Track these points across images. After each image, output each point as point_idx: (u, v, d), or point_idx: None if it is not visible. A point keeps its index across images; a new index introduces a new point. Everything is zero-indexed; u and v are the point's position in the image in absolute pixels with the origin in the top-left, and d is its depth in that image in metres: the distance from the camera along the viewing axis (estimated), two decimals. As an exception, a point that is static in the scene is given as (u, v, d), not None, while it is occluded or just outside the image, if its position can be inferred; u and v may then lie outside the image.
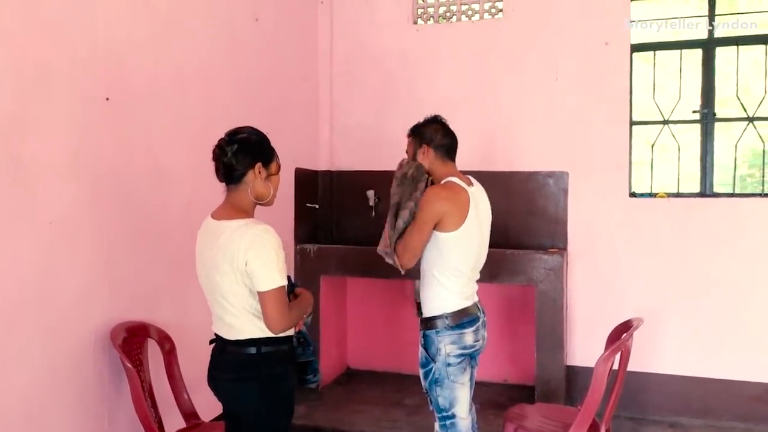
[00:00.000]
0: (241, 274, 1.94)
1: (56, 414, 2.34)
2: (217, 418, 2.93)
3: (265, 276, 1.91)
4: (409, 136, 2.59)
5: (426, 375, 2.43)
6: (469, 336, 2.41)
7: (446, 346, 2.38)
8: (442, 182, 2.45)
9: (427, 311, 2.44)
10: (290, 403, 2.10)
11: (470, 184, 2.48)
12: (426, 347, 2.42)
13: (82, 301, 2.45)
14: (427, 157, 2.49)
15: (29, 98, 2.21)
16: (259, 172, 2.02)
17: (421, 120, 2.59)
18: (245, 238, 1.92)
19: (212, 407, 2.78)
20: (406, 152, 2.58)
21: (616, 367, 2.61)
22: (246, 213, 2.03)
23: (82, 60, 2.45)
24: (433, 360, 2.39)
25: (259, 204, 2.08)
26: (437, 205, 2.34)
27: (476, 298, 2.50)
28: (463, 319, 2.40)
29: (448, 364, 2.38)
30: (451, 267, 2.38)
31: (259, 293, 1.93)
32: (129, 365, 2.43)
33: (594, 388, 2.44)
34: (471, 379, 2.48)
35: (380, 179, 4.52)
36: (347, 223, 4.69)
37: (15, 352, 2.16)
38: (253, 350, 2.01)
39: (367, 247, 4.19)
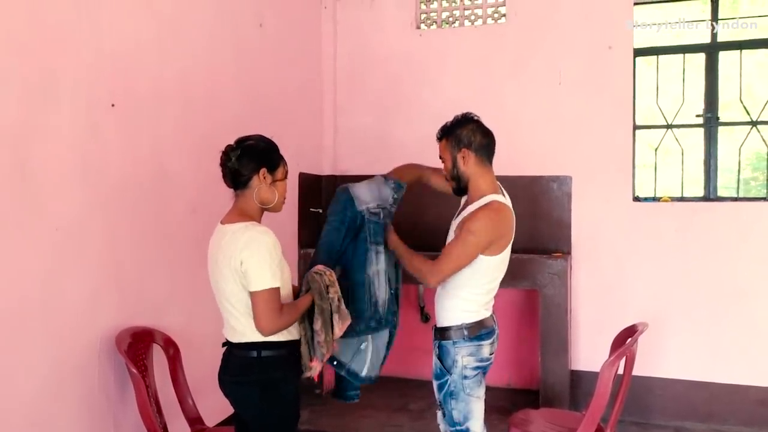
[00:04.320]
0: (239, 275, 1.97)
1: (62, 419, 2.34)
2: (221, 423, 2.94)
3: (257, 276, 1.94)
4: (440, 139, 2.36)
5: (441, 387, 2.34)
6: (486, 348, 2.31)
7: (463, 357, 2.27)
8: (487, 202, 2.25)
9: (444, 320, 2.33)
10: (293, 408, 2.11)
11: (504, 194, 2.35)
12: (441, 359, 2.32)
13: (87, 306, 2.46)
14: (468, 163, 2.28)
15: (35, 104, 2.22)
16: (264, 178, 2.05)
17: (451, 119, 2.36)
18: (242, 239, 1.96)
19: (217, 412, 2.79)
20: (441, 158, 2.37)
21: (620, 372, 2.62)
22: (252, 218, 2.06)
23: (88, 66, 2.46)
24: (449, 372, 2.29)
25: (266, 209, 2.10)
26: (491, 234, 2.20)
27: (492, 310, 2.40)
28: (481, 330, 2.30)
29: (465, 377, 2.28)
30: (482, 284, 2.29)
31: (250, 293, 1.96)
32: (134, 371, 2.43)
33: (599, 393, 2.43)
34: (484, 392, 2.38)
35: (384, 184, 4.53)
36: (351, 227, 4.68)
37: (21, 357, 2.16)
38: (253, 354, 2.04)
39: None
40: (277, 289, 1.98)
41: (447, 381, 2.31)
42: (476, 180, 2.30)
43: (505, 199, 2.33)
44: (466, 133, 2.29)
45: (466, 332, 2.28)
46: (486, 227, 2.19)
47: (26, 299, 2.18)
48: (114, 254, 2.59)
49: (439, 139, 2.37)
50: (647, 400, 3.92)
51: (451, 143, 2.31)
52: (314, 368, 2.13)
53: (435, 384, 2.37)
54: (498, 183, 2.36)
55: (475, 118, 2.35)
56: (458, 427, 2.33)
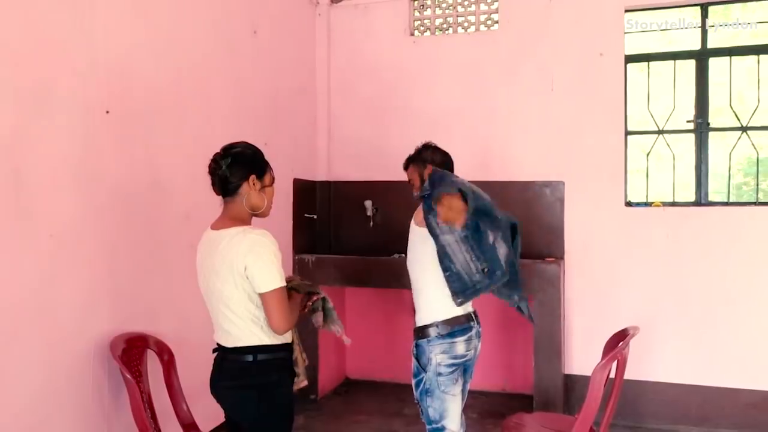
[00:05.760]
0: (241, 279, 1.98)
1: (56, 425, 2.34)
2: (216, 429, 2.94)
3: (266, 277, 1.96)
4: (407, 167, 2.67)
5: (417, 385, 2.42)
6: (460, 345, 2.39)
7: (437, 355, 2.37)
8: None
9: (419, 320, 2.44)
10: (289, 411, 2.13)
11: None
12: (417, 357, 2.42)
13: (81, 312, 2.46)
14: None
15: (30, 111, 2.23)
16: (253, 184, 2.08)
17: (413, 150, 2.68)
18: (244, 243, 1.98)
19: (211, 417, 2.79)
20: (409, 182, 2.64)
21: (613, 375, 2.63)
22: (243, 223, 2.08)
23: (82, 73, 2.47)
24: (424, 370, 2.38)
25: (255, 215, 2.13)
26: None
27: (471, 308, 2.49)
28: (454, 327, 2.38)
29: (439, 374, 2.37)
30: (442, 278, 2.36)
31: (261, 295, 1.98)
32: (128, 376, 2.44)
33: (591, 397, 2.45)
34: (463, 391, 2.47)
35: (378, 189, 4.56)
36: (345, 232, 4.71)
37: (15, 363, 2.17)
38: (250, 358, 2.05)
39: (366, 257, 4.22)
40: (285, 288, 2.02)
41: (422, 379, 2.40)
42: None
43: None
44: (429, 154, 2.63)
45: (438, 329, 2.37)
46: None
47: (21, 305, 2.19)
48: (108, 260, 2.60)
49: (406, 167, 2.67)
50: (640, 404, 3.94)
51: (418, 164, 2.61)
52: (301, 374, 2.19)
53: (413, 382, 2.45)
54: None
55: (433, 144, 2.67)
56: (434, 425, 2.41)
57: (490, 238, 2.37)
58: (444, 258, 2.36)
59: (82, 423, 2.46)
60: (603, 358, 2.65)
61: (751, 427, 3.77)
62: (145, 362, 2.70)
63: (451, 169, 2.63)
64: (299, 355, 2.20)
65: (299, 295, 2.22)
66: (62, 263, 2.37)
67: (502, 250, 2.41)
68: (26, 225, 2.21)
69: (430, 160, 2.59)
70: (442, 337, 2.37)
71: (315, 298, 2.27)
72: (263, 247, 1.98)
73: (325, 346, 4.40)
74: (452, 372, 2.39)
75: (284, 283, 2.01)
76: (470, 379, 2.53)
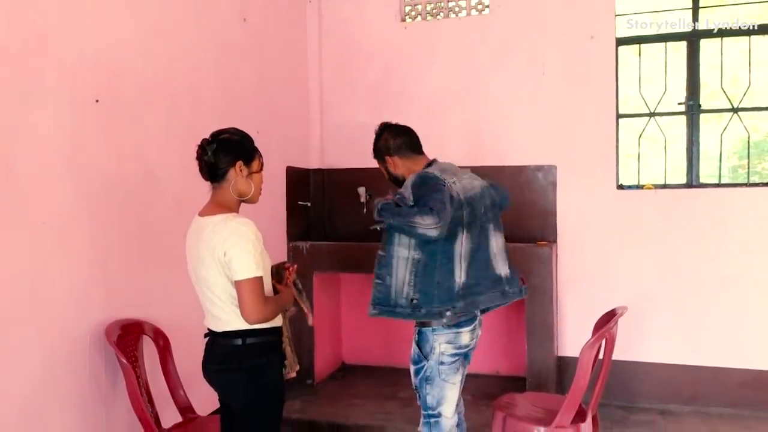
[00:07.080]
0: (222, 266, 2.01)
1: (54, 411, 2.38)
2: (213, 413, 2.98)
3: (242, 265, 1.98)
4: (375, 158, 2.60)
5: (417, 372, 2.40)
6: (465, 335, 2.37)
7: (441, 345, 2.34)
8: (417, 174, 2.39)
9: None
10: (278, 393, 2.15)
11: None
12: (419, 344, 2.39)
13: (76, 300, 2.49)
14: (397, 166, 2.50)
15: (19, 101, 2.24)
16: (240, 170, 2.09)
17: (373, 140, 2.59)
18: (225, 231, 2.00)
19: (208, 402, 2.83)
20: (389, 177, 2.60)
21: (602, 355, 2.67)
22: (230, 209, 2.10)
23: (71, 62, 2.48)
24: (426, 358, 2.36)
25: (243, 201, 2.15)
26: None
27: None
28: (461, 318, 2.34)
29: (441, 363, 2.35)
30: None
31: (236, 282, 2.00)
32: (125, 361, 2.47)
33: (579, 375, 2.49)
34: (462, 377, 2.45)
35: (371, 176, 4.53)
36: (339, 219, 4.74)
37: (11, 351, 2.20)
38: (239, 341, 2.07)
39: (360, 243, 4.24)
40: (261, 278, 2.02)
41: (423, 366, 2.37)
42: (410, 174, 2.46)
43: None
44: (383, 143, 2.53)
45: (445, 320, 2.32)
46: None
47: (15, 294, 2.21)
48: (101, 248, 2.63)
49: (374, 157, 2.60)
50: (632, 384, 3.99)
51: (378, 158, 2.57)
52: (290, 365, 2.21)
53: (412, 369, 2.43)
54: (437, 162, 2.49)
55: (388, 124, 2.54)
56: (431, 411, 2.40)
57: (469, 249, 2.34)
58: (384, 266, 2.34)
59: (80, 409, 2.50)
60: (592, 337, 2.69)
61: (742, 405, 3.82)
62: (141, 348, 2.73)
63: (417, 144, 2.53)
64: (288, 346, 2.21)
65: (288, 292, 2.21)
66: (55, 251, 2.40)
67: (497, 241, 2.48)
68: (18, 214, 2.23)
69: (385, 149, 2.50)
70: (448, 327, 2.33)
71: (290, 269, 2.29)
72: (242, 236, 1.99)
73: (321, 332, 4.44)
74: (455, 361, 2.37)
75: (259, 274, 2.00)
76: (468, 363, 2.52)
